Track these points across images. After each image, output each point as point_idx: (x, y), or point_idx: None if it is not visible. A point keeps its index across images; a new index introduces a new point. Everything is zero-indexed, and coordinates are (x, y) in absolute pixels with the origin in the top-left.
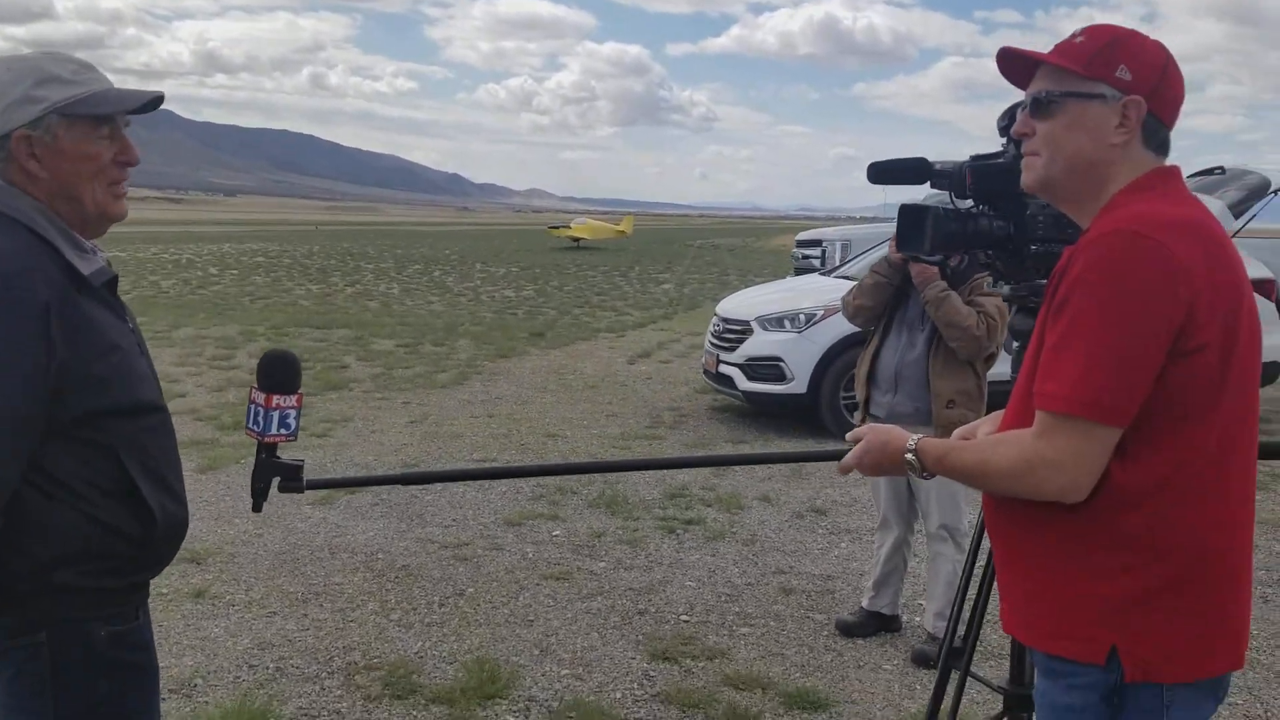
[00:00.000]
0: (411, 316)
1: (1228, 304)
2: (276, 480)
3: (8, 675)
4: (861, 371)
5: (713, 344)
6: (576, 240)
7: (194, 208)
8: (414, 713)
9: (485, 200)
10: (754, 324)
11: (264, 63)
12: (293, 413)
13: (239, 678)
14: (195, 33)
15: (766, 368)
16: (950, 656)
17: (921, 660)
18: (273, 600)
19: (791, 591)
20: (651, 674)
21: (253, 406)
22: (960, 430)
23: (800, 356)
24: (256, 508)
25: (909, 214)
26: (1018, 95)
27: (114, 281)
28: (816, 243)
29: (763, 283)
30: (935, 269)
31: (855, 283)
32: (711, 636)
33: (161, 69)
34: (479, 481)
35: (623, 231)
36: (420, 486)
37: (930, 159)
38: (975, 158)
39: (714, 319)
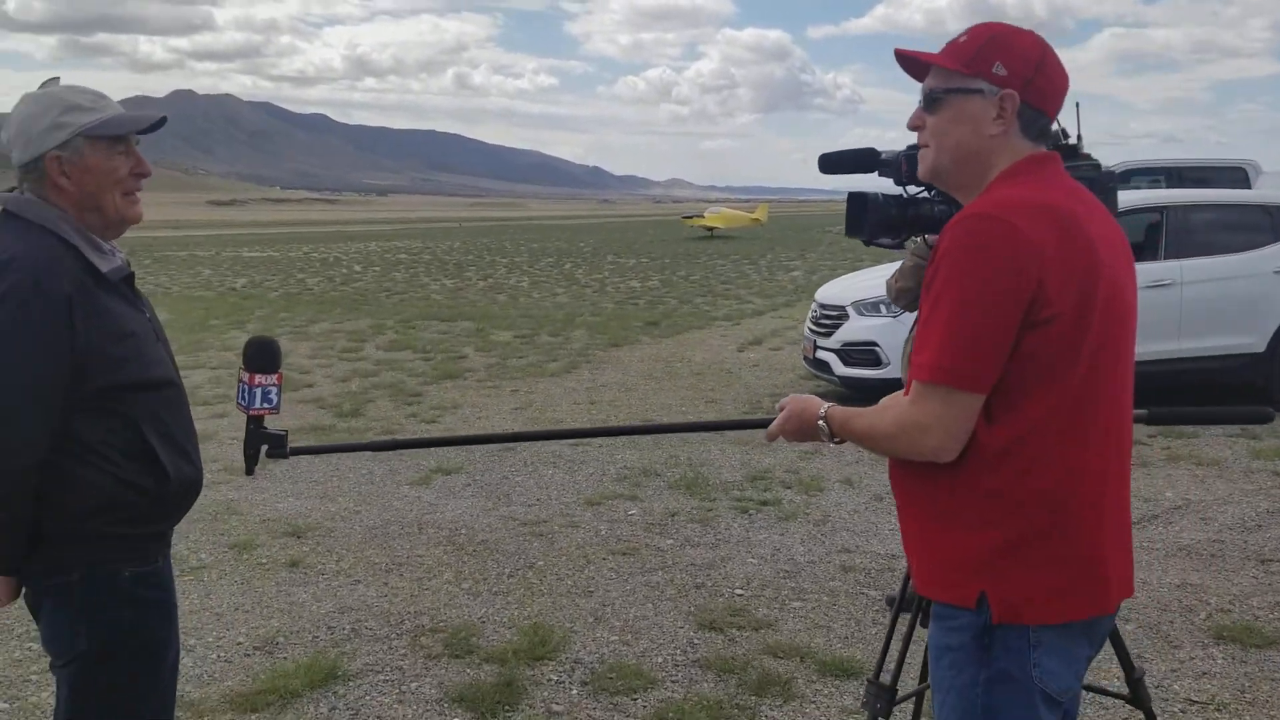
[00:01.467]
0: (535, 309)
1: (1080, 278)
2: (264, 447)
3: (47, 610)
4: (906, 350)
5: (811, 330)
6: (710, 230)
7: (347, 208)
8: (467, 671)
9: (625, 192)
10: (850, 309)
11: (410, 65)
12: (274, 389)
13: (317, 637)
14: (345, 38)
15: (862, 353)
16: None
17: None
18: (359, 570)
19: (851, 569)
20: (696, 642)
21: (240, 385)
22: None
23: (895, 341)
24: (249, 471)
25: (852, 200)
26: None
27: (130, 277)
28: None
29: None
30: None
31: None
32: (762, 609)
33: (314, 75)
34: (558, 463)
35: (757, 220)
36: (511, 468)
37: (879, 149)
38: (911, 147)
39: (813, 305)
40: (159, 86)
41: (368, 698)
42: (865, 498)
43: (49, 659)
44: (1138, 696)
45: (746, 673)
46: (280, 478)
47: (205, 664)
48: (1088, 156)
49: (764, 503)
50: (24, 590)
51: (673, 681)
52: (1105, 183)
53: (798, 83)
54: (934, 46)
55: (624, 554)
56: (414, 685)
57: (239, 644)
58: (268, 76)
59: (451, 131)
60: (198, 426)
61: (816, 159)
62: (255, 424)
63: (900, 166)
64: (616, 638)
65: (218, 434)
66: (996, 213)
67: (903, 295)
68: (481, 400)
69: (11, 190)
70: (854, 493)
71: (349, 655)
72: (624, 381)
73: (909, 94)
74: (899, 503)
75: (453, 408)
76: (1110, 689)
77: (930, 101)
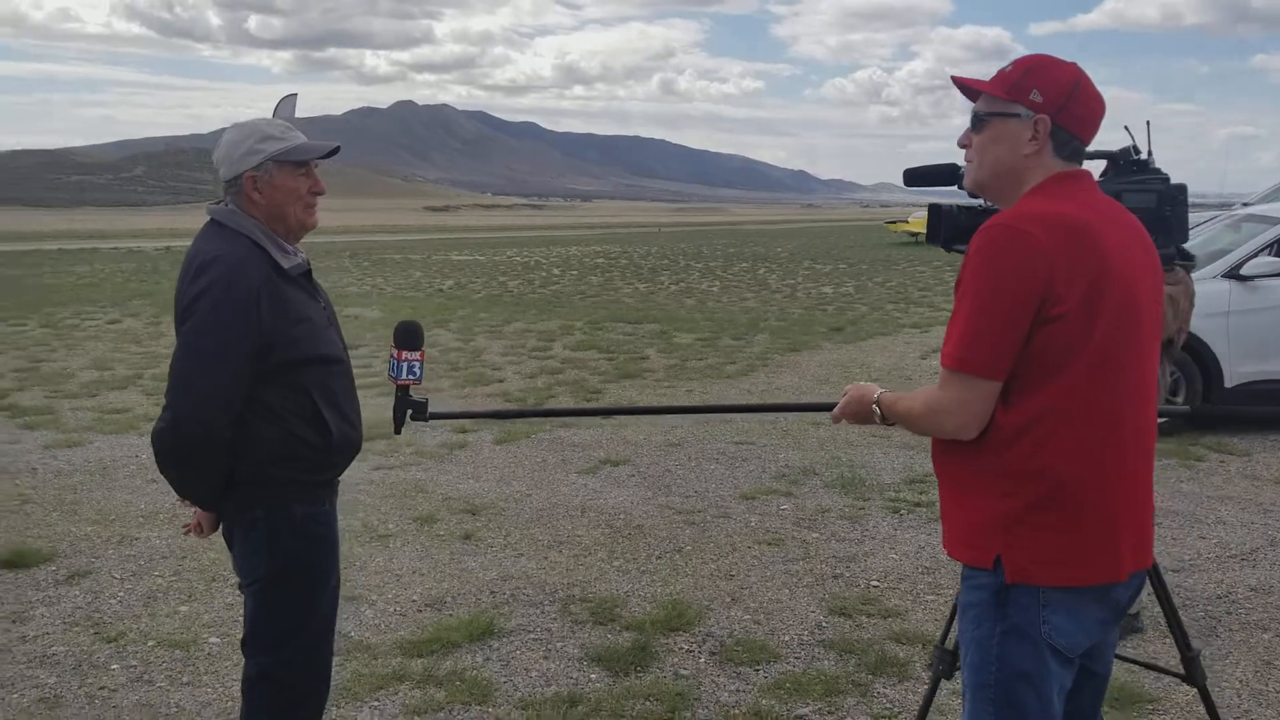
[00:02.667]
0: (722, 312)
1: (1089, 282)
2: (409, 412)
3: (237, 540)
4: None
5: None
6: (915, 235)
7: (553, 213)
8: (608, 636)
9: (831, 196)
10: None
11: (617, 72)
12: (418, 364)
13: (480, 600)
14: (555, 47)
15: None
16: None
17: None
18: (524, 545)
19: None
20: (824, 625)
21: (391, 360)
22: None
23: None
24: (396, 430)
25: (930, 212)
26: None
27: (308, 273)
28: None
29: None
30: None
31: None
32: (894, 600)
33: (525, 84)
34: (721, 459)
35: None
36: (675, 462)
37: (959, 164)
38: None
39: None
40: (382, 98)
41: (517, 652)
42: None
43: (239, 581)
44: (1191, 675)
45: (867, 654)
46: (464, 463)
47: (383, 616)
48: (1157, 171)
49: (917, 504)
50: (221, 525)
51: (795, 657)
52: (1175, 195)
53: None
54: (1178, 41)
55: (769, 544)
56: (559, 644)
57: (413, 601)
58: (481, 86)
59: (656, 137)
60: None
61: (1270, 148)
62: (402, 392)
63: None
64: (749, 617)
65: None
66: (1015, 223)
67: None
68: (656, 400)
69: (217, 203)
70: None
71: (505, 615)
72: (798, 385)
73: (1139, 92)
74: (937, 476)
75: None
76: (1165, 667)
77: (976, 122)
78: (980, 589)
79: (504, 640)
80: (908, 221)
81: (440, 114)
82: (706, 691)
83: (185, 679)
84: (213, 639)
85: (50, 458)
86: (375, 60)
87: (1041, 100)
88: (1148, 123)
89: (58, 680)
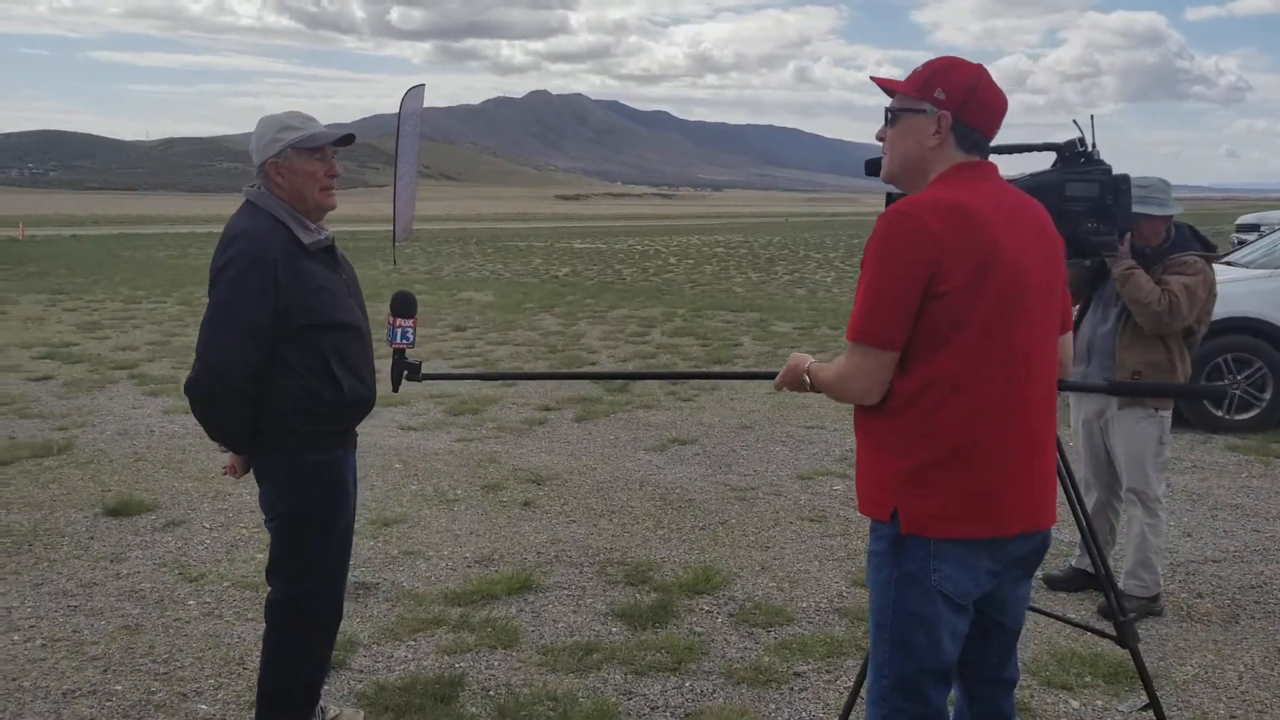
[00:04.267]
0: (829, 302)
1: (974, 263)
2: (405, 372)
3: (263, 480)
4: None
5: None
6: None
7: (682, 203)
8: (636, 595)
9: None
10: None
11: (751, 60)
12: (410, 330)
13: (525, 559)
14: (689, 36)
15: None
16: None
17: (1052, 582)
18: (578, 513)
19: None
20: (844, 594)
21: (389, 327)
22: None
23: None
24: (394, 388)
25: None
26: None
27: (330, 248)
28: (1255, 227)
29: None
30: (1125, 247)
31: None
32: None
33: (659, 72)
34: (788, 442)
35: None
36: (742, 443)
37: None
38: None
39: None
40: (517, 88)
41: (549, 606)
42: None
43: (264, 517)
44: (1123, 637)
45: None
46: (541, 438)
47: (435, 570)
48: (1100, 163)
49: None
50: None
51: (809, 622)
52: (1119, 185)
53: (1172, 69)
54: None
55: (812, 520)
56: (589, 600)
57: (465, 558)
58: (615, 76)
59: (788, 126)
60: (492, 395)
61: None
62: (398, 355)
63: None
64: (774, 584)
65: (501, 398)
66: (909, 209)
67: None
68: (741, 386)
69: (252, 185)
70: None
71: (545, 574)
72: None
73: None
74: (855, 438)
75: (710, 389)
76: (1100, 629)
77: (889, 118)
78: (881, 539)
79: (539, 595)
80: None
81: (574, 103)
82: (716, 648)
83: (250, 615)
84: None
85: (167, 421)
86: (511, 50)
87: (945, 98)
88: (1091, 117)
89: (140, 612)
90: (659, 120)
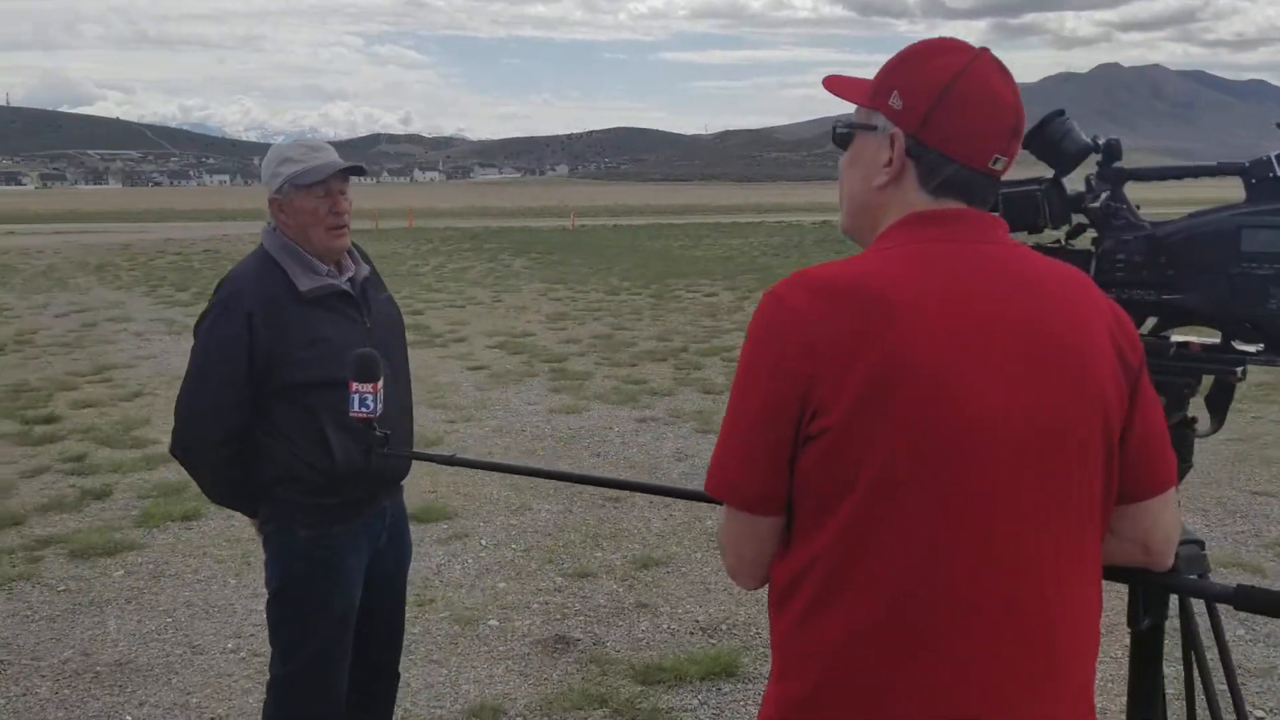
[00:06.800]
0: None
1: (870, 384)
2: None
3: (271, 549)
4: None
5: None
6: None
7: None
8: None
9: None
10: None
11: None
12: (370, 396)
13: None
14: None
15: None
16: None
17: None
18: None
19: None
20: None
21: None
22: None
23: None
24: (365, 463)
25: None
26: None
27: (342, 294)
28: None
29: None
30: None
31: None
32: None
33: (1256, 36)
34: None
35: None
36: None
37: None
38: (1033, 181)
39: None
40: (1082, 62)
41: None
42: None
43: None
44: None
45: None
46: None
47: (656, 632)
48: None
49: None
50: None
51: None
52: None
53: None
54: None
55: None
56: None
57: (696, 621)
58: (1200, 43)
59: None
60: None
61: None
62: (364, 426)
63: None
64: None
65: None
66: (783, 291)
67: None
68: None
69: (269, 222)
70: None
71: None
72: None
73: None
74: None
75: None
76: None
77: (836, 139)
78: None
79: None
80: None
81: (1148, 75)
82: None
83: (435, 657)
84: None
85: (543, 422)
86: (1076, 22)
87: (900, 107)
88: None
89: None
90: (1255, 90)
